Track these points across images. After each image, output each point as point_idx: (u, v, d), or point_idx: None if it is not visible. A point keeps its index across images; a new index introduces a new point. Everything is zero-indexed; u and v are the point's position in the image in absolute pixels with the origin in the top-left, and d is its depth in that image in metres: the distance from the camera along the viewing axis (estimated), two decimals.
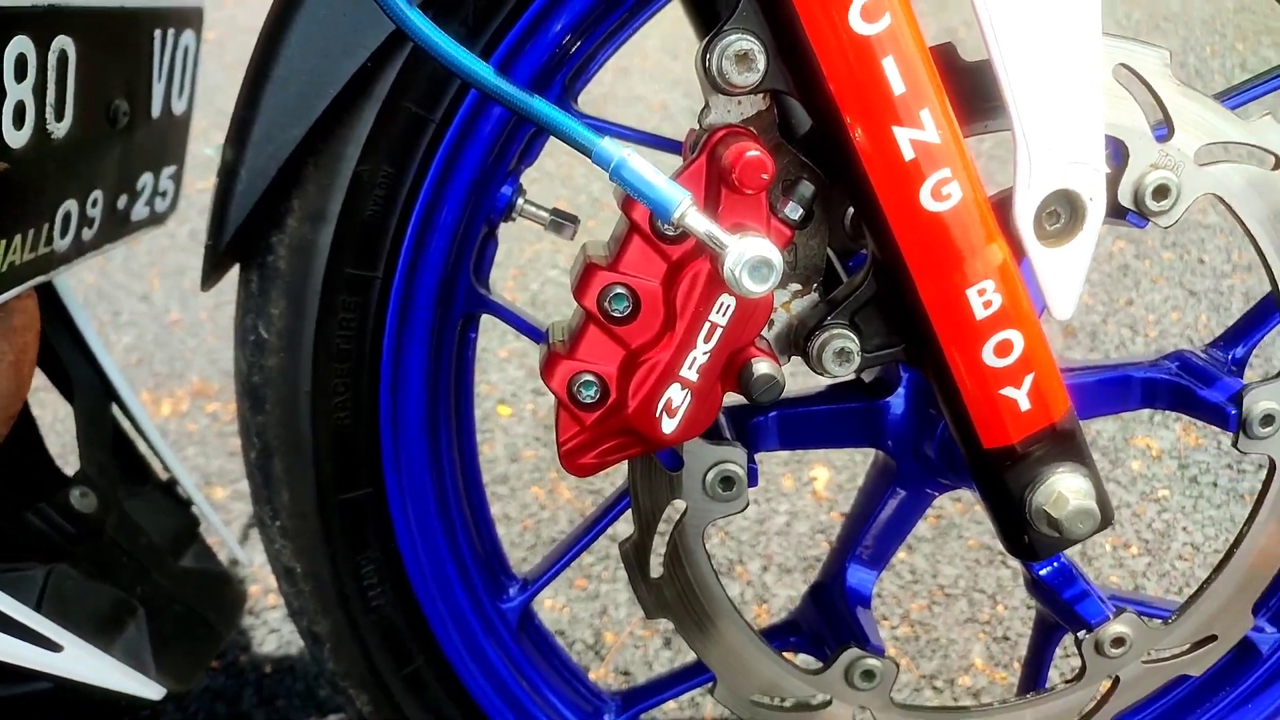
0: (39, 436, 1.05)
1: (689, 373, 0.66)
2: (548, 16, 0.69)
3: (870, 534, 0.93)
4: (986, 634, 1.52)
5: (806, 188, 0.65)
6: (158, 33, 0.92)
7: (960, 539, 1.69)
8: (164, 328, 2.26)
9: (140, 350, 2.18)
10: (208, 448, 1.88)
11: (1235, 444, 0.84)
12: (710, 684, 0.86)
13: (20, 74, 0.74)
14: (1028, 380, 0.69)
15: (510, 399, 2.03)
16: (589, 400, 0.68)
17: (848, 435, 0.89)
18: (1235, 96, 0.80)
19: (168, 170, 1.02)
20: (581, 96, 0.80)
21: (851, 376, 0.72)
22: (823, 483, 1.80)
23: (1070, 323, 2.23)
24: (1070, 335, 2.19)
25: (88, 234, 0.91)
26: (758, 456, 0.83)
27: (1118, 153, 0.73)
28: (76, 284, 2.38)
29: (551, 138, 0.64)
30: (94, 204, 0.90)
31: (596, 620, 1.53)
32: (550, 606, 1.55)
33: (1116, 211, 0.74)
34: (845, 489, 1.78)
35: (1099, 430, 1.90)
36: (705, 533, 0.80)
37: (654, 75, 3.61)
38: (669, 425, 0.68)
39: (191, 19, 0.98)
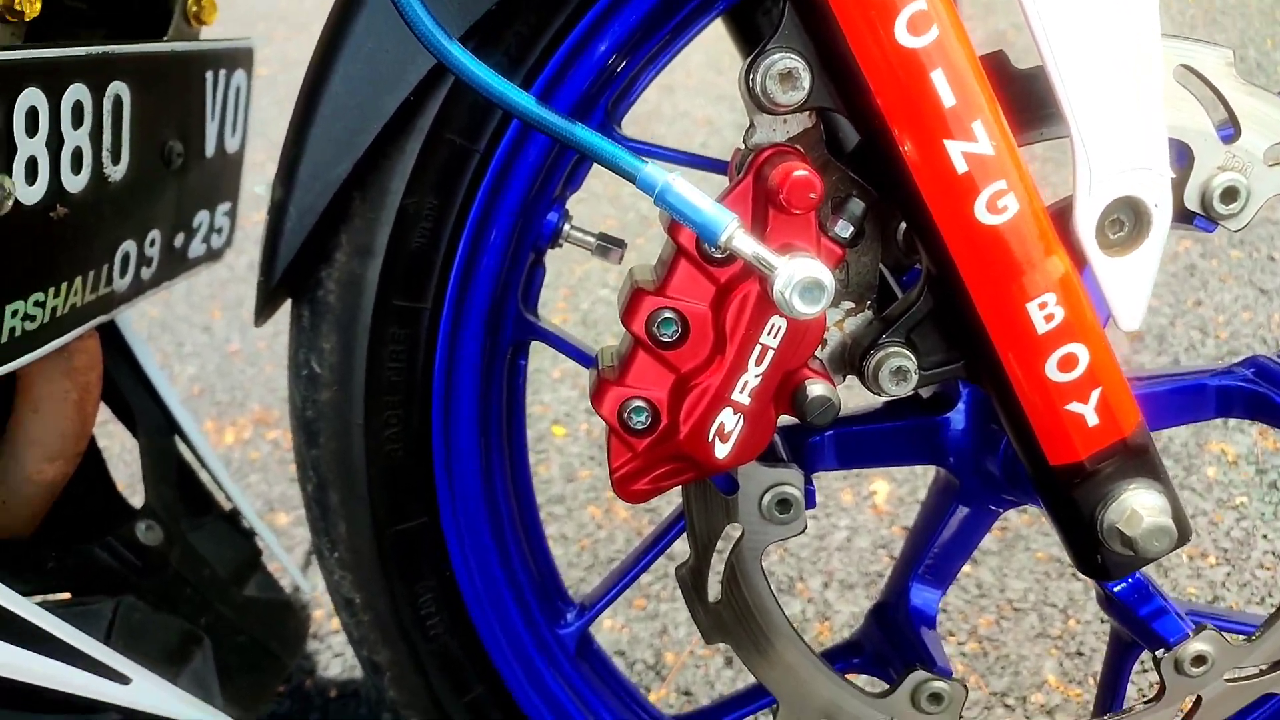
0: (106, 470, 1.07)
1: (741, 396, 0.65)
2: (589, 43, 0.69)
3: (933, 553, 0.91)
4: (1059, 649, 1.47)
5: (857, 205, 0.64)
6: (209, 74, 0.94)
7: (1028, 551, 1.64)
8: (225, 358, 2.31)
9: (203, 380, 2.23)
10: (270, 474, 1.91)
11: None
12: (773, 707, 0.84)
13: (77, 120, 0.76)
14: (1095, 394, 0.66)
15: (564, 419, 2.03)
16: (640, 426, 0.67)
17: (907, 453, 0.86)
18: None
19: (223, 207, 1.04)
20: (625, 115, 0.80)
21: (909, 394, 0.70)
22: (883, 496, 1.77)
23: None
24: (1137, 339, 2.13)
25: (146, 273, 0.92)
26: (815, 474, 0.81)
27: (1182, 156, 0.71)
28: (140, 317, 2.45)
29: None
30: (152, 243, 0.92)
31: (656, 640, 1.52)
32: (610, 627, 1.54)
33: (1183, 216, 0.72)
34: (906, 502, 1.75)
35: (1171, 436, 1.84)
36: (763, 554, 0.78)
37: (699, 90, 3.61)
38: (722, 450, 0.67)
39: (242, 59, 1.00)
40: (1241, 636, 0.84)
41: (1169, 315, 2.21)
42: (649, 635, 1.53)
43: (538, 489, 1.83)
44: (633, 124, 0.78)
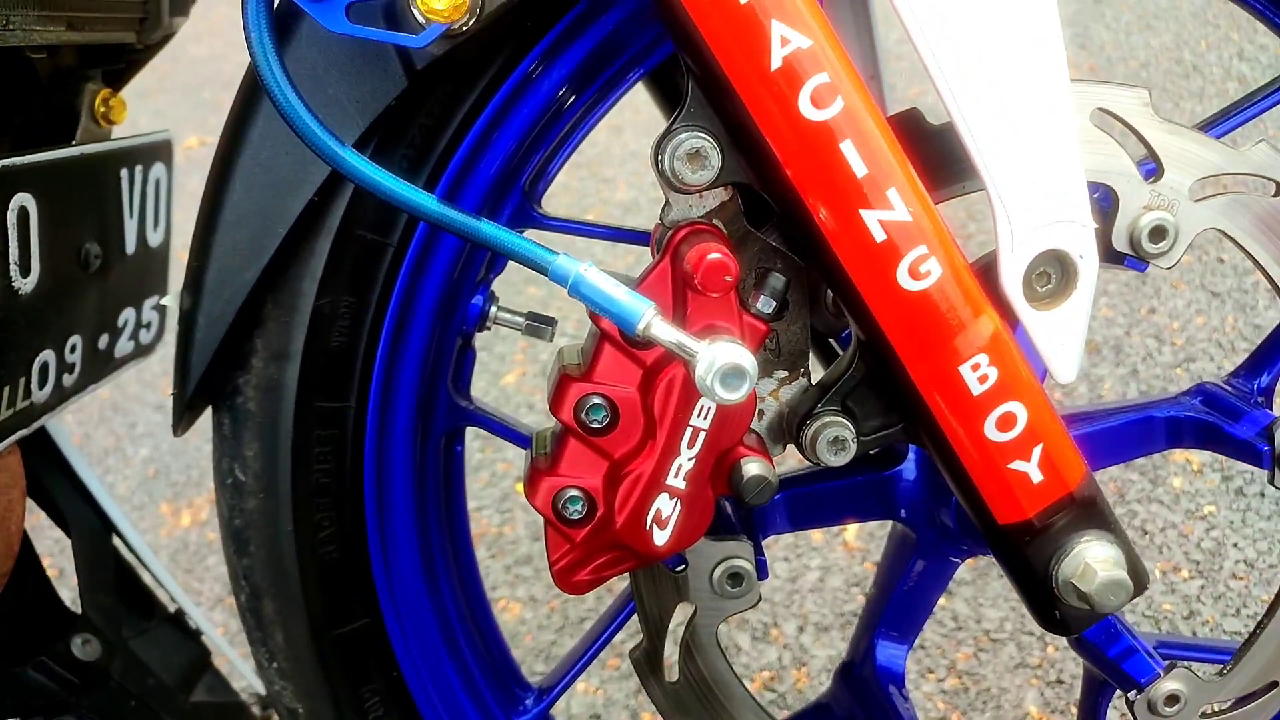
0: (44, 580, 1.03)
1: (676, 481, 0.63)
2: (497, 127, 0.68)
3: (896, 608, 0.89)
4: (1039, 679, 1.46)
5: (778, 280, 0.62)
6: (124, 172, 0.92)
7: (1001, 578, 1.63)
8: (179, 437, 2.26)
9: (157, 461, 2.18)
10: None
11: (1271, 480, 0.80)
12: None
13: None
14: (1036, 451, 0.65)
15: None
16: (576, 517, 0.65)
17: (860, 510, 0.85)
18: (1218, 125, 0.77)
19: (150, 302, 1.01)
20: (575, 157, 0.78)
21: (848, 463, 0.68)
22: (852, 533, 1.75)
23: (1093, 338, 2.17)
24: (1094, 351, 2.14)
25: (69, 379, 0.89)
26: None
27: (1107, 198, 0.70)
28: (91, 399, 2.40)
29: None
30: (73, 349, 0.89)
31: (633, 700, 1.49)
32: (584, 690, 1.51)
33: (1113, 258, 0.71)
34: (877, 536, 1.73)
35: None
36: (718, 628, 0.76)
37: (649, 129, 3.62)
38: (661, 537, 0.65)
39: (160, 152, 0.98)
40: (1214, 668, 0.83)
41: (1124, 325, 2.22)
42: (624, 696, 1.49)
43: (504, 550, 1.80)
44: (583, 167, 0.77)
